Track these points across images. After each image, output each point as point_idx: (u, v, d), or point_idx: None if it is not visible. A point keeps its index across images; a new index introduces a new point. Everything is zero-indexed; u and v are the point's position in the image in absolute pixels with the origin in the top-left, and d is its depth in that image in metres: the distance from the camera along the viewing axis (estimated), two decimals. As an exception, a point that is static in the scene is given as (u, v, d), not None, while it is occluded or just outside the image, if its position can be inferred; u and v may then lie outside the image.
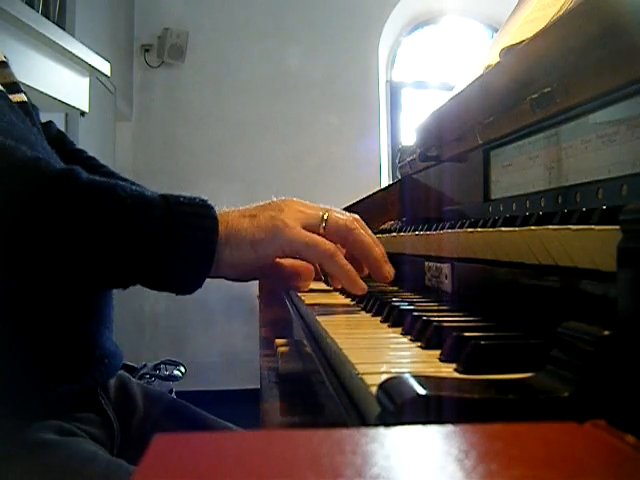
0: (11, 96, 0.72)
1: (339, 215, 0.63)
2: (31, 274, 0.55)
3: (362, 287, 0.63)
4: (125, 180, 0.89)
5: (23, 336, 0.61)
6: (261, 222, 0.59)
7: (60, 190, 0.52)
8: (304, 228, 0.60)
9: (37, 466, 0.56)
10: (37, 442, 0.58)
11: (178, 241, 0.54)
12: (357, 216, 0.66)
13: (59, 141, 0.82)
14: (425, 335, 0.44)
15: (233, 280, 0.63)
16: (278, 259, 0.66)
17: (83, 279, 0.57)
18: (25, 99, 0.75)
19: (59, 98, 1.67)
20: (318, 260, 0.62)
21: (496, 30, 3.40)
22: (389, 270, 0.66)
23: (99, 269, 0.55)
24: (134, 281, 0.56)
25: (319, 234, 0.61)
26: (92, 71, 1.88)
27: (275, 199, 0.62)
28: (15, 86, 0.75)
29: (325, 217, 0.62)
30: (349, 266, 0.61)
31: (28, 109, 0.74)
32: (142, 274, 0.55)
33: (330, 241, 0.62)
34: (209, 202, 0.58)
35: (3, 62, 0.76)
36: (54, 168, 0.53)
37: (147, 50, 3.43)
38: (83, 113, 1.91)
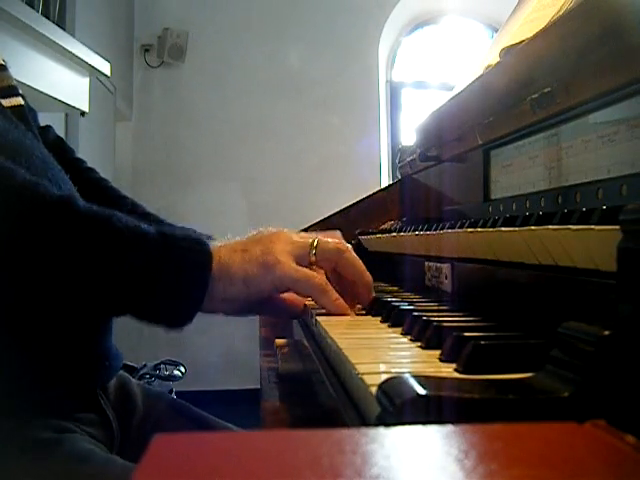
0: (7, 100, 0.72)
1: (328, 239, 0.64)
2: (28, 291, 0.55)
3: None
4: (125, 198, 0.88)
5: (23, 338, 0.61)
6: (252, 257, 0.59)
7: (56, 218, 0.52)
8: (295, 258, 0.61)
9: (34, 464, 0.56)
10: (34, 440, 0.58)
11: (171, 275, 0.54)
12: (348, 245, 0.66)
13: (58, 147, 0.81)
14: (425, 335, 0.44)
15: (230, 315, 0.63)
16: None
17: (75, 306, 0.57)
18: (21, 102, 0.74)
19: (59, 98, 1.67)
20: (309, 294, 0.62)
21: (496, 30, 3.40)
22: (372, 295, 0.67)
23: (91, 298, 0.55)
24: (124, 312, 0.57)
25: (310, 262, 0.62)
26: (92, 71, 1.88)
27: (263, 230, 0.63)
28: (12, 89, 0.74)
29: (315, 244, 0.62)
30: (340, 300, 0.62)
31: (23, 113, 0.73)
32: (134, 306, 0.56)
33: (322, 266, 0.63)
34: (204, 238, 0.59)
35: (2, 65, 0.76)
36: (52, 194, 0.53)
37: (147, 50, 3.43)
38: (83, 113, 1.91)
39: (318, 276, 0.61)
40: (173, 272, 0.54)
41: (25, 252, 0.51)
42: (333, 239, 0.65)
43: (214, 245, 0.59)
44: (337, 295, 0.62)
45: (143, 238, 0.55)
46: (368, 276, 0.66)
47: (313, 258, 0.62)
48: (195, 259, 0.56)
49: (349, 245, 0.66)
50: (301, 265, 0.61)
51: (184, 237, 0.57)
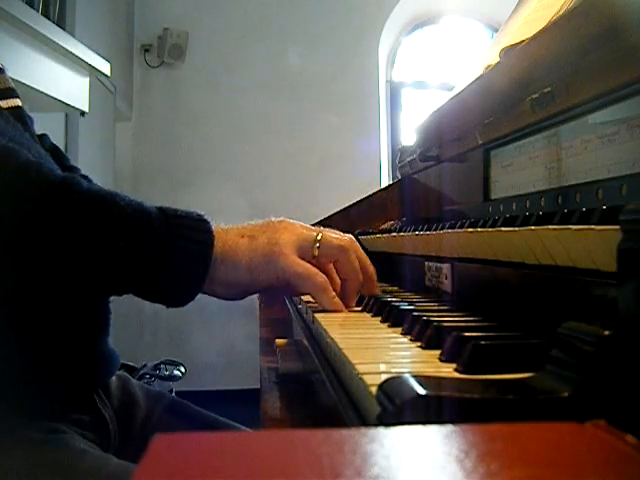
0: (4, 101, 0.72)
1: (333, 236, 0.65)
2: (28, 277, 0.55)
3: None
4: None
5: (19, 340, 0.60)
6: (258, 246, 0.60)
7: (61, 196, 0.52)
8: (299, 250, 0.62)
9: (25, 462, 0.56)
10: (26, 439, 0.58)
11: (174, 252, 0.55)
12: (352, 237, 0.67)
13: (53, 155, 0.82)
14: (425, 335, 0.44)
15: (227, 299, 0.64)
16: None
17: (79, 284, 0.58)
18: (19, 104, 0.75)
19: (59, 98, 1.67)
20: (309, 291, 0.63)
21: (496, 30, 3.40)
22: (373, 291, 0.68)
23: (95, 275, 0.55)
24: (127, 290, 0.57)
25: (312, 255, 0.63)
26: (92, 71, 1.88)
27: (273, 219, 0.64)
28: (9, 92, 0.75)
29: (319, 238, 0.63)
30: (337, 299, 0.63)
31: (21, 114, 0.73)
32: (136, 283, 0.56)
33: (323, 261, 0.64)
34: (206, 217, 0.59)
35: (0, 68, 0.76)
36: (56, 174, 0.53)
37: (147, 50, 3.43)
38: (83, 113, 1.91)
39: (320, 274, 0.62)
40: (175, 249, 0.55)
41: (28, 230, 0.51)
42: (338, 235, 0.65)
43: (221, 228, 0.60)
44: (334, 294, 0.63)
45: (146, 216, 0.55)
46: (370, 269, 0.66)
47: (316, 252, 0.63)
48: (197, 237, 0.56)
49: (355, 243, 0.66)
50: (303, 258, 0.62)
51: (186, 215, 0.57)
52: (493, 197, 0.80)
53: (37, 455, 0.57)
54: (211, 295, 0.61)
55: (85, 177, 0.90)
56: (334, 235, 0.65)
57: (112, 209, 0.54)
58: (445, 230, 0.67)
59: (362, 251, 0.67)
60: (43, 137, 0.85)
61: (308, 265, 0.61)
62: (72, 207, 0.52)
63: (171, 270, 0.55)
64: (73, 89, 1.80)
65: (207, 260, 0.57)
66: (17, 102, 0.74)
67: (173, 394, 2.22)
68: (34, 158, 0.54)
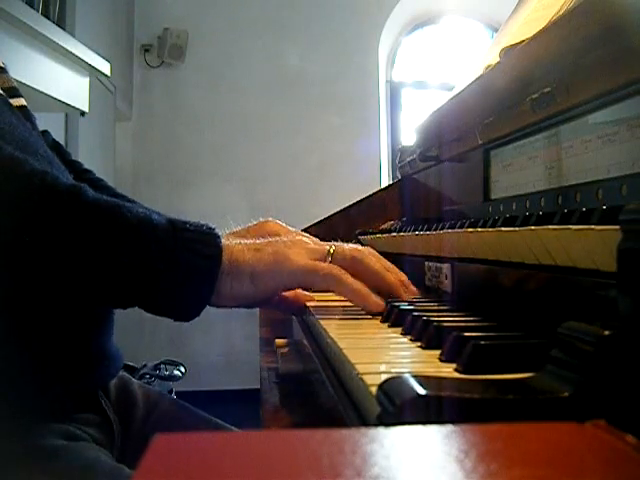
0: (11, 100, 0.72)
1: (346, 247, 0.62)
2: (32, 282, 0.55)
3: (376, 303, 0.60)
4: (123, 196, 0.88)
5: (23, 339, 0.60)
6: (263, 256, 0.58)
7: (66, 206, 0.52)
8: (309, 259, 0.59)
9: (38, 471, 0.56)
10: (40, 447, 0.58)
11: (180, 266, 0.53)
12: (371, 249, 0.64)
13: (55, 151, 0.82)
14: (425, 335, 0.44)
15: (235, 308, 0.63)
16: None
17: (82, 295, 0.57)
18: (25, 103, 0.75)
19: (59, 98, 1.67)
20: (324, 286, 0.59)
21: (496, 30, 3.40)
22: (404, 294, 0.64)
23: (99, 287, 0.55)
24: (132, 302, 0.56)
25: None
26: (92, 71, 1.88)
27: (284, 238, 0.61)
28: (14, 91, 0.75)
29: (331, 250, 0.61)
30: (358, 284, 0.59)
31: (28, 113, 0.74)
32: (141, 296, 0.55)
33: None
34: (216, 230, 0.58)
35: (1, 68, 0.76)
36: (62, 183, 0.53)
37: (147, 50, 3.43)
38: (83, 113, 1.91)
39: (330, 265, 0.59)
40: (181, 263, 0.54)
41: (33, 240, 0.51)
42: (353, 247, 0.63)
43: (229, 242, 0.58)
44: (353, 279, 0.60)
45: (153, 228, 0.54)
46: (391, 275, 0.64)
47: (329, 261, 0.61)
48: (205, 251, 0.55)
49: (370, 250, 0.65)
50: None
51: (195, 229, 0.56)
52: (493, 197, 0.80)
53: (48, 464, 0.57)
54: (218, 307, 0.60)
55: (88, 171, 0.90)
56: (347, 246, 0.63)
57: (117, 220, 0.53)
58: (445, 230, 0.67)
59: (383, 261, 0.64)
60: (45, 134, 0.85)
61: (315, 261, 0.59)
62: (76, 217, 0.52)
63: (176, 284, 0.54)
64: (73, 89, 1.80)
65: (213, 275, 0.55)
66: (22, 101, 0.75)
67: (173, 394, 2.23)
68: (40, 166, 0.53)
